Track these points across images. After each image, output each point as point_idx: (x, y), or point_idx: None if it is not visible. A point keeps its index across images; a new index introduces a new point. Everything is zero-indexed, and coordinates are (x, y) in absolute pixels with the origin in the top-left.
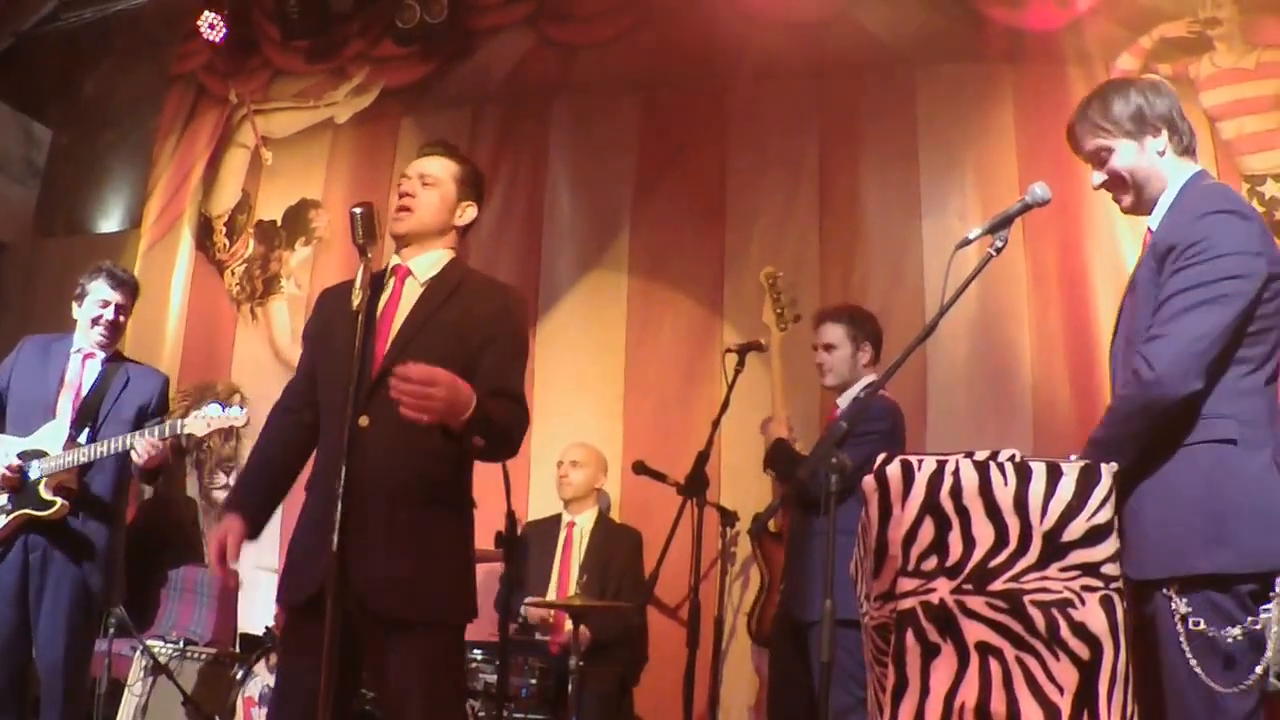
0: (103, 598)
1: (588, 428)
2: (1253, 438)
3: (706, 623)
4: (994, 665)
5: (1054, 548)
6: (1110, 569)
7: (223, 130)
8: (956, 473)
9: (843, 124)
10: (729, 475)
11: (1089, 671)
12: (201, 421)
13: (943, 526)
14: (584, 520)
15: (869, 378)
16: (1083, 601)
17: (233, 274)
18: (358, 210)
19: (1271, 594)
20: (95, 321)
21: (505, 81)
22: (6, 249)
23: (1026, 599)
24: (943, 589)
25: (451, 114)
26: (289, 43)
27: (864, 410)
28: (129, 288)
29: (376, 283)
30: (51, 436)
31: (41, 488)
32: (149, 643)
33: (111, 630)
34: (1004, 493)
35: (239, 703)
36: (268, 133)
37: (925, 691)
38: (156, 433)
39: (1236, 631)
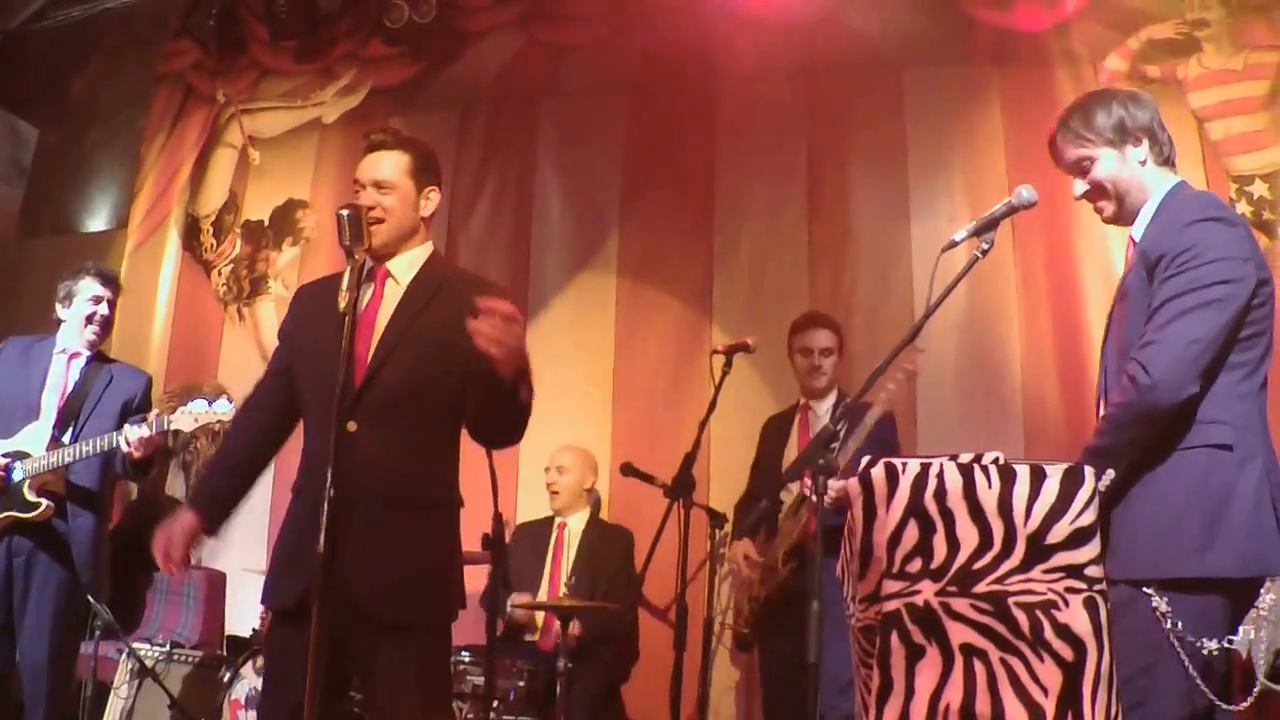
0: (95, 587)
1: (576, 429)
2: (1247, 443)
3: (695, 624)
4: (979, 667)
5: (1038, 550)
6: (1094, 571)
7: (210, 130)
8: (941, 475)
9: (831, 126)
10: (717, 477)
11: (1073, 673)
12: (188, 417)
13: (927, 529)
14: (575, 521)
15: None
16: (1066, 603)
17: (220, 274)
18: (345, 212)
19: (1260, 598)
20: (89, 319)
21: (494, 83)
22: None
23: (1011, 601)
24: (927, 591)
25: (440, 115)
26: (277, 42)
27: (860, 414)
28: (116, 285)
29: (358, 287)
30: (34, 437)
31: (25, 489)
32: (135, 645)
33: (98, 633)
34: (988, 495)
35: (226, 705)
36: (255, 132)
37: (910, 693)
38: (143, 428)
39: (1214, 645)
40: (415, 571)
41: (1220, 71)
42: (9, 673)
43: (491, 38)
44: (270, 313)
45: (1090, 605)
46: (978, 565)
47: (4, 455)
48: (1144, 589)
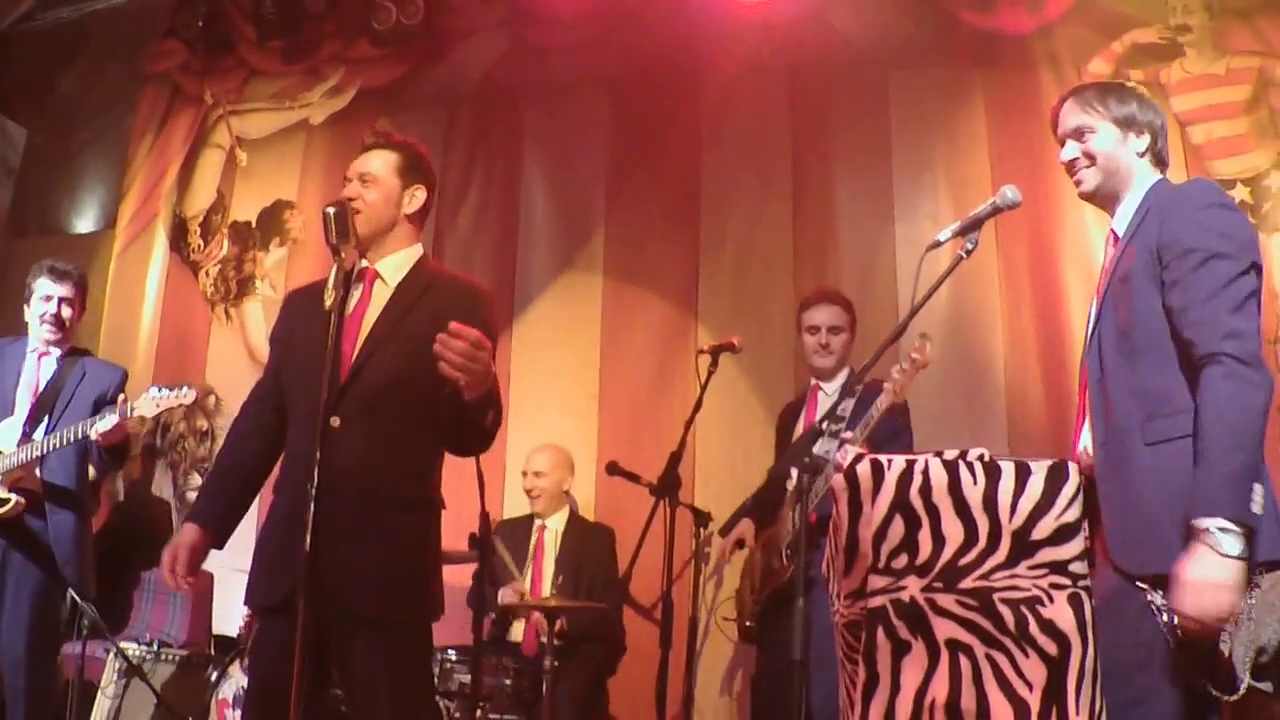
0: (80, 584)
1: (562, 428)
2: None
3: (680, 622)
4: (964, 662)
5: (1023, 546)
6: (1078, 567)
7: (198, 131)
8: (926, 471)
9: (816, 127)
10: (702, 476)
11: (1057, 668)
12: (151, 402)
13: (912, 525)
14: (555, 521)
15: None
16: (1051, 599)
17: (207, 275)
18: (331, 210)
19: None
20: (42, 318)
21: (480, 83)
22: None
23: (996, 596)
24: (913, 587)
25: (426, 115)
26: (264, 43)
27: (866, 401)
28: (71, 280)
29: (345, 284)
30: (5, 434)
31: None
32: (122, 644)
33: (85, 632)
34: (973, 491)
35: (213, 704)
36: (243, 133)
37: (896, 688)
38: (109, 417)
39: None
40: (394, 567)
41: (1202, 76)
42: None
43: (477, 38)
44: (257, 313)
45: (1075, 601)
46: (963, 561)
47: None
48: (1137, 584)
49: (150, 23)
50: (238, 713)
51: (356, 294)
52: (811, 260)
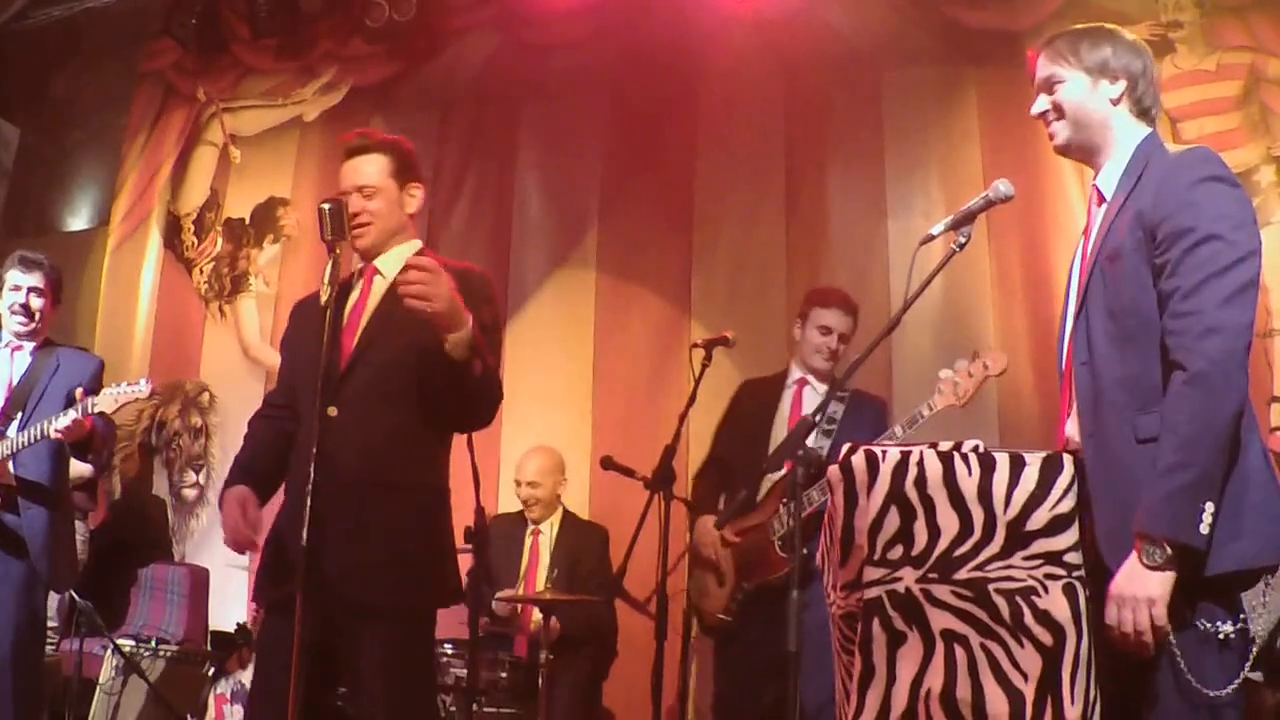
0: (50, 581)
1: (557, 424)
2: (1247, 424)
3: (676, 615)
4: (959, 652)
5: (1018, 537)
6: (1072, 557)
7: (191, 128)
8: (921, 463)
9: (809, 124)
10: (696, 469)
11: (1053, 658)
12: (109, 398)
13: (908, 516)
14: (548, 525)
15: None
16: (1046, 589)
17: (201, 272)
18: (326, 206)
19: (1268, 582)
20: (12, 310)
21: (474, 81)
22: None
23: (991, 587)
24: (909, 578)
25: (420, 113)
26: (258, 41)
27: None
28: (41, 270)
29: (345, 286)
30: None
31: None
32: (120, 641)
33: (82, 629)
34: (968, 483)
35: (211, 700)
36: (236, 131)
37: (892, 679)
38: (69, 414)
39: (1229, 628)
40: (396, 553)
41: (1194, 72)
42: None
43: (471, 36)
44: (251, 310)
45: (1069, 591)
46: (958, 552)
47: None
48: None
49: (143, 21)
50: (236, 708)
51: (357, 291)
52: (805, 256)
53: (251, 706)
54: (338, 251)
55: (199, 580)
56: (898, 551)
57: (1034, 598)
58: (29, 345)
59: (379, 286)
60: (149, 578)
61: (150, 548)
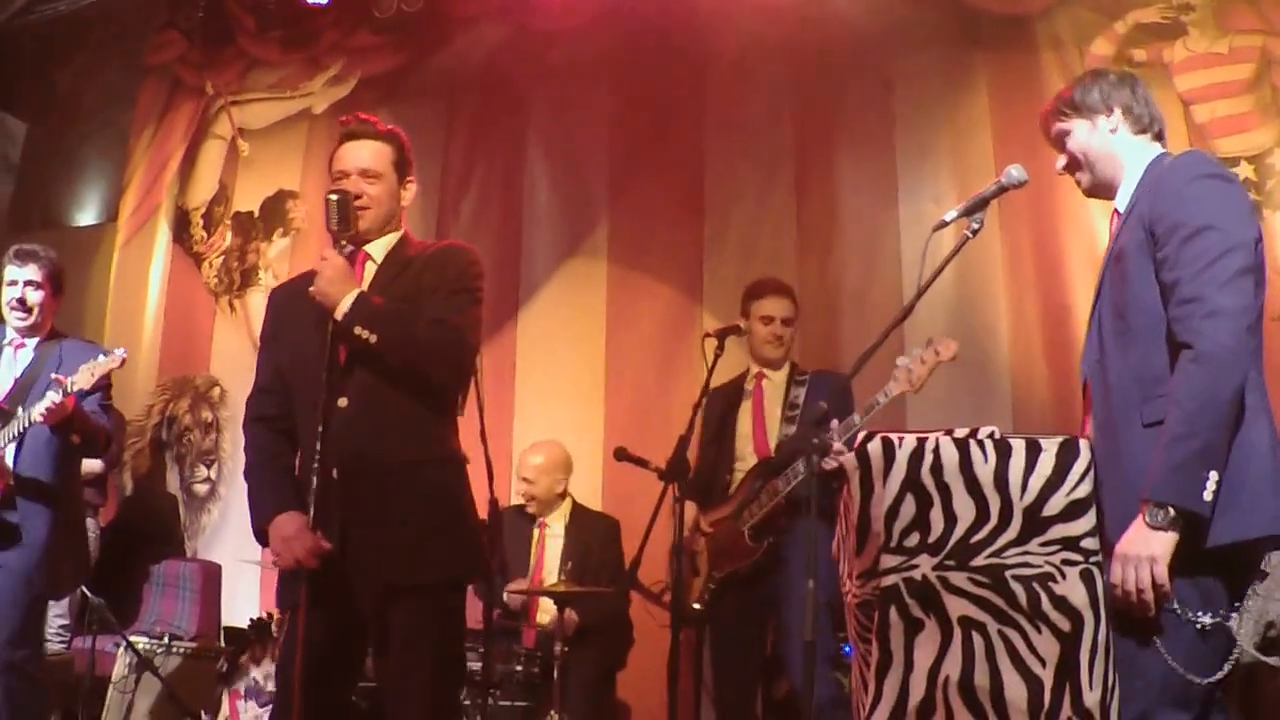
0: (46, 587)
1: (568, 415)
2: (1256, 405)
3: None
4: (977, 639)
5: (1034, 523)
6: (1090, 543)
7: (199, 122)
8: (937, 450)
9: (819, 111)
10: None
11: (1070, 644)
12: (86, 374)
13: (924, 503)
14: (556, 520)
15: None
16: (1063, 575)
17: (210, 266)
18: (333, 196)
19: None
20: (9, 305)
21: (482, 70)
22: None
23: (1008, 573)
24: (925, 565)
25: (428, 103)
26: (264, 33)
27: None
28: (36, 262)
29: None
30: None
31: None
32: (132, 638)
33: (95, 627)
34: (984, 469)
35: (224, 696)
36: (244, 124)
37: (909, 666)
38: (49, 396)
39: (1207, 620)
40: (424, 532)
41: (1205, 55)
42: None
43: (479, 25)
44: (261, 304)
45: (1087, 577)
46: (975, 539)
47: None
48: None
49: (149, 14)
50: (250, 704)
51: None
52: (815, 244)
53: (277, 702)
54: (344, 242)
55: (211, 576)
56: (914, 539)
57: (1051, 584)
58: (32, 341)
59: (370, 272)
60: (161, 573)
61: (162, 543)
